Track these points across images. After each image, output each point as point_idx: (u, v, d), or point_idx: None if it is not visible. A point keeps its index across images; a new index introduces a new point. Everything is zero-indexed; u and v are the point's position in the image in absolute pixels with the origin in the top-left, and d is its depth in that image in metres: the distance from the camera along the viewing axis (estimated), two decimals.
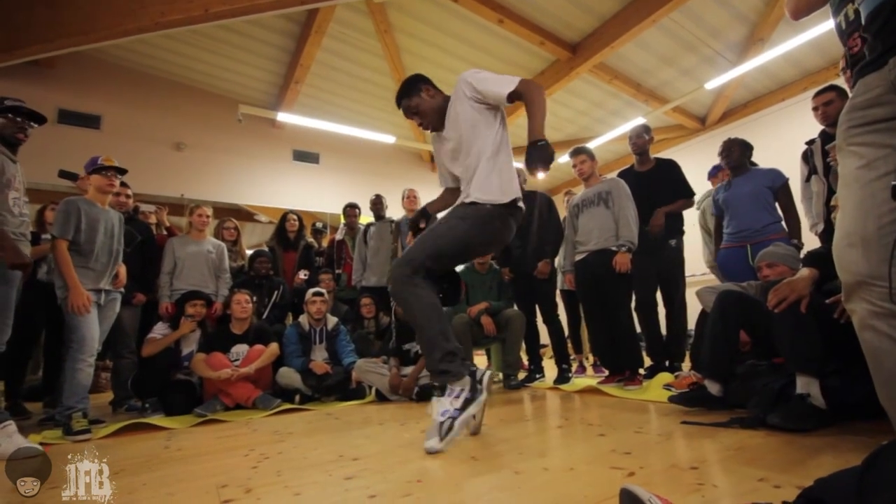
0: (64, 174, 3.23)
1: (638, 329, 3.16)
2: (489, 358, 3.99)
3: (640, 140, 3.20)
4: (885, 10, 0.91)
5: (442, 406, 1.51)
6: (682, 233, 3.13)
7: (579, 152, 3.00)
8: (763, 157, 3.16)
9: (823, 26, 4.21)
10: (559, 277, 3.68)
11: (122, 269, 2.66)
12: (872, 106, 0.93)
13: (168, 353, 2.92)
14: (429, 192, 4.71)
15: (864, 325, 0.91)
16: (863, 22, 0.99)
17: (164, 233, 3.80)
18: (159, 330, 2.97)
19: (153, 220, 3.80)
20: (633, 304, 3.05)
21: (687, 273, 3.19)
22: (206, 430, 2.22)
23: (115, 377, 3.21)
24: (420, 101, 1.85)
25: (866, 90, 0.95)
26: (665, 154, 4.98)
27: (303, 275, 3.93)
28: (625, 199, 2.81)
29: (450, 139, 1.82)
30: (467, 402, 1.52)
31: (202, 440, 1.98)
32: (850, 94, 1.01)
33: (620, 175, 3.20)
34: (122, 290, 2.69)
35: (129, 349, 3.11)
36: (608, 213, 2.83)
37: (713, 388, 1.89)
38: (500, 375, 3.40)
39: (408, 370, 2.93)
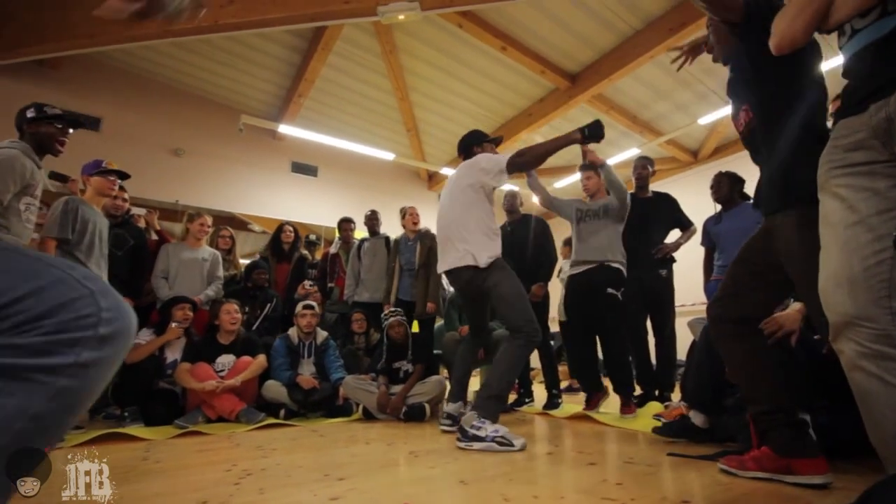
0: (55, 175, 3.19)
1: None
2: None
3: (645, 171, 3.30)
4: (867, 56, 0.93)
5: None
6: (672, 261, 3.17)
7: (588, 168, 3.05)
8: (751, 194, 3.23)
9: None
10: (557, 298, 3.69)
11: None
12: (854, 150, 0.95)
13: (151, 360, 2.85)
14: (426, 210, 4.74)
15: (853, 365, 0.91)
16: (843, 65, 1.00)
17: (154, 237, 3.76)
18: (144, 336, 2.91)
19: (142, 223, 3.75)
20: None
21: (678, 302, 3.22)
22: (186, 443, 2.16)
23: None
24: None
25: (848, 133, 0.96)
26: (658, 186, 5.09)
27: (308, 285, 3.86)
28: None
29: None
30: None
31: (182, 453, 1.93)
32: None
33: None
34: None
35: None
36: (613, 227, 2.86)
37: (697, 419, 1.89)
38: None
39: (396, 389, 2.89)
